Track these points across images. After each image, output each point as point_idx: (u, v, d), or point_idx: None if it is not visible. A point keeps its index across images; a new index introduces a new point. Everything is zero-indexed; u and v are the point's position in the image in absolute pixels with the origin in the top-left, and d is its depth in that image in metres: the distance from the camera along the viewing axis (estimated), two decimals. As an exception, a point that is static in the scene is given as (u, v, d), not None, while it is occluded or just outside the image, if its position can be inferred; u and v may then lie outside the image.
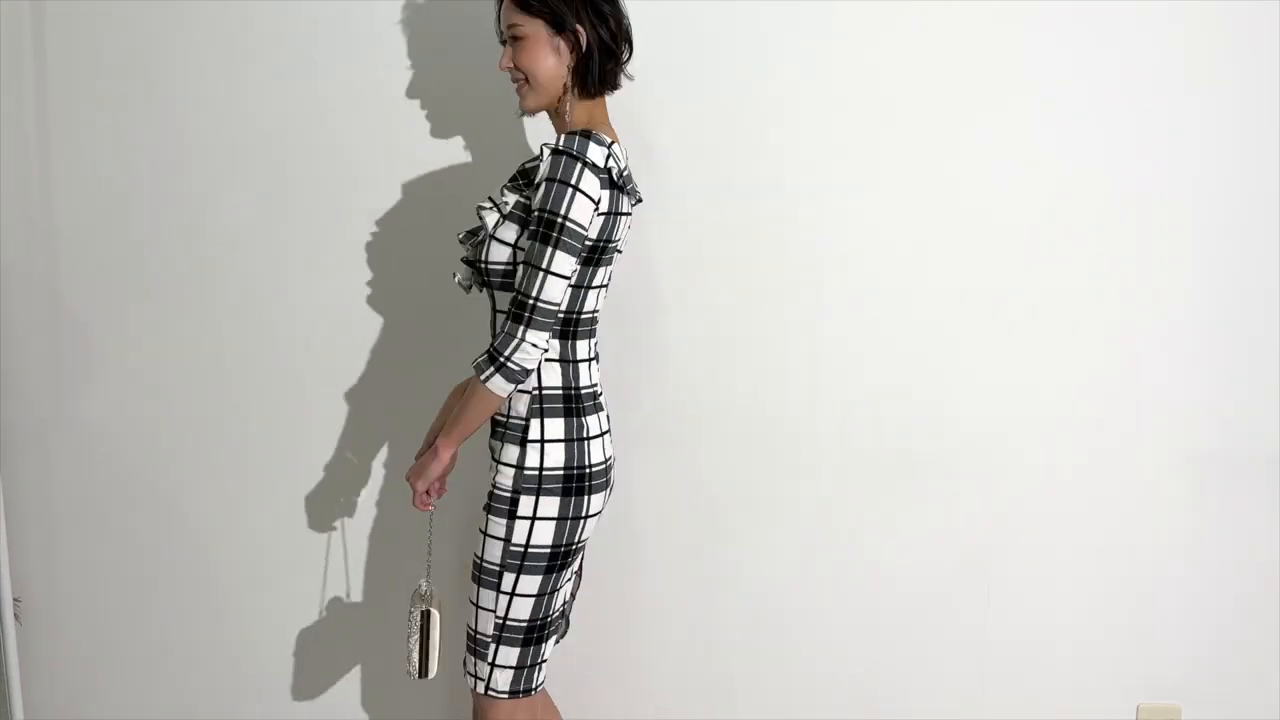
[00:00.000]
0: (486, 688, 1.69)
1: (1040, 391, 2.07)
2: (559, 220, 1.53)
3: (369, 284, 2.09)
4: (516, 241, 1.61)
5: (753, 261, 2.04)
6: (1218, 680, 2.13)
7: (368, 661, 2.19)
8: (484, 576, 1.66)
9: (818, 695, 2.14)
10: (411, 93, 2.02)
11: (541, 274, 1.55)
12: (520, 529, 1.63)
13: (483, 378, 1.58)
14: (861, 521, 2.10)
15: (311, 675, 2.20)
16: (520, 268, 1.59)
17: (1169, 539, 2.10)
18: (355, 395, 2.12)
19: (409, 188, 2.06)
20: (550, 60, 1.62)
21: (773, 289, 2.05)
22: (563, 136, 1.56)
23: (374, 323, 2.10)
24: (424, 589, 1.78)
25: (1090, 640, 2.13)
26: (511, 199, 1.63)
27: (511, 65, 1.63)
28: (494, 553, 1.64)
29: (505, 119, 1.88)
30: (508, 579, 1.64)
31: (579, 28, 1.60)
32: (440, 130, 2.03)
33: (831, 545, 2.11)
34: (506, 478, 1.64)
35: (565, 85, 1.63)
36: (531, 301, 1.55)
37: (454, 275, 1.74)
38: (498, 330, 1.64)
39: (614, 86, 1.69)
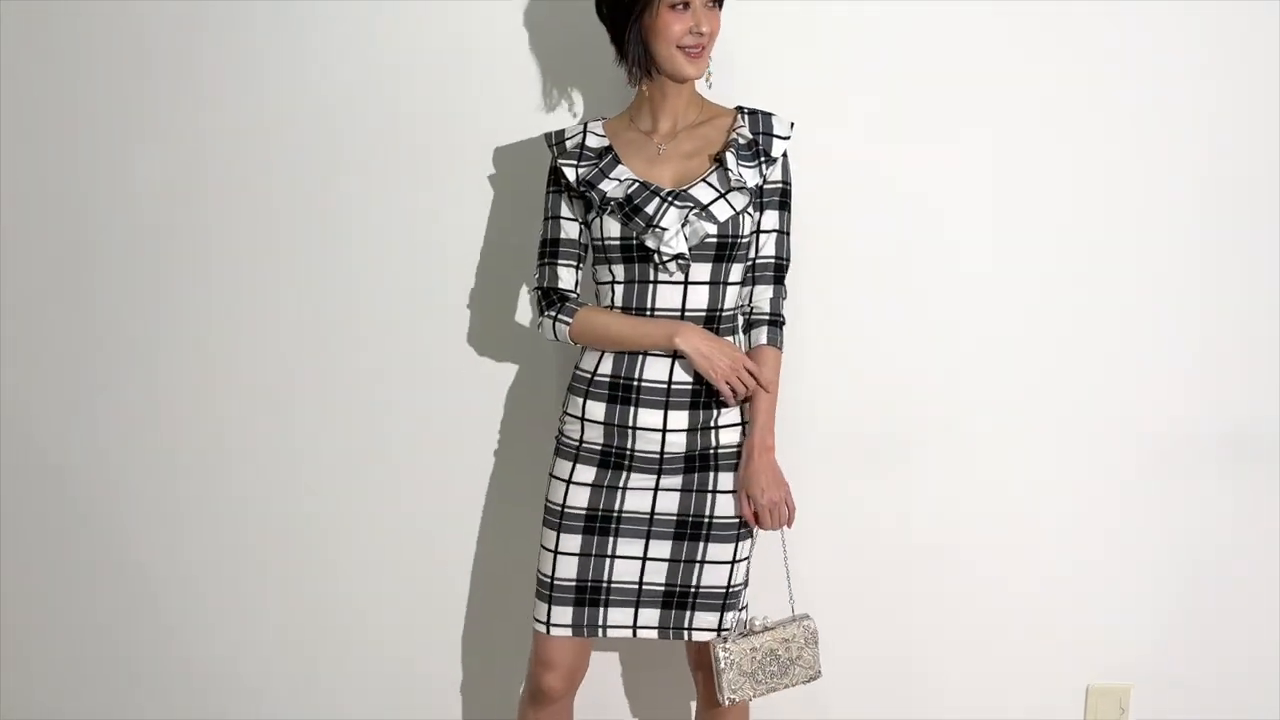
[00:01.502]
0: None
1: (998, 375, 2.06)
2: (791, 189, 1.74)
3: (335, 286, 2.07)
4: (743, 210, 1.67)
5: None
6: (1168, 660, 2.14)
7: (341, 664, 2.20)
8: (739, 530, 1.73)
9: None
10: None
11: (789, 239, 1.72)
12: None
13: (781, 344, 1.73)
14: (821, 503, 2.04)
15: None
16: (775, 235, 1.72)
17: (1119, 520, 2.10)
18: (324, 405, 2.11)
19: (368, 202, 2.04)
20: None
21: None
22: (773, 115, 1.71)
23: (340, 327, 2.09)
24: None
25: (1041, 620, 2.13)
26: (750, 178, 1.67)
27: (713, 27, 1.63)
28: (731, 508, 1.72)
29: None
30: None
31: None
32: (421, 137, 2.01)
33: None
34: (738, 435, 1.73)
35: None
36: (789, 264, 1.74)
37: (666, 259, 1.65)
38: (766, 298, 1.74)
39: None
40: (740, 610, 1.76)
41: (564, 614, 1.73)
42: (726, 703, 1.72)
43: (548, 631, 1.74)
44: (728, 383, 1.67)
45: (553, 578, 1.73)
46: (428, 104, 1.99)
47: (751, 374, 1.69)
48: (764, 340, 1.73)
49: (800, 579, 1.99)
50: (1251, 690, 2.14)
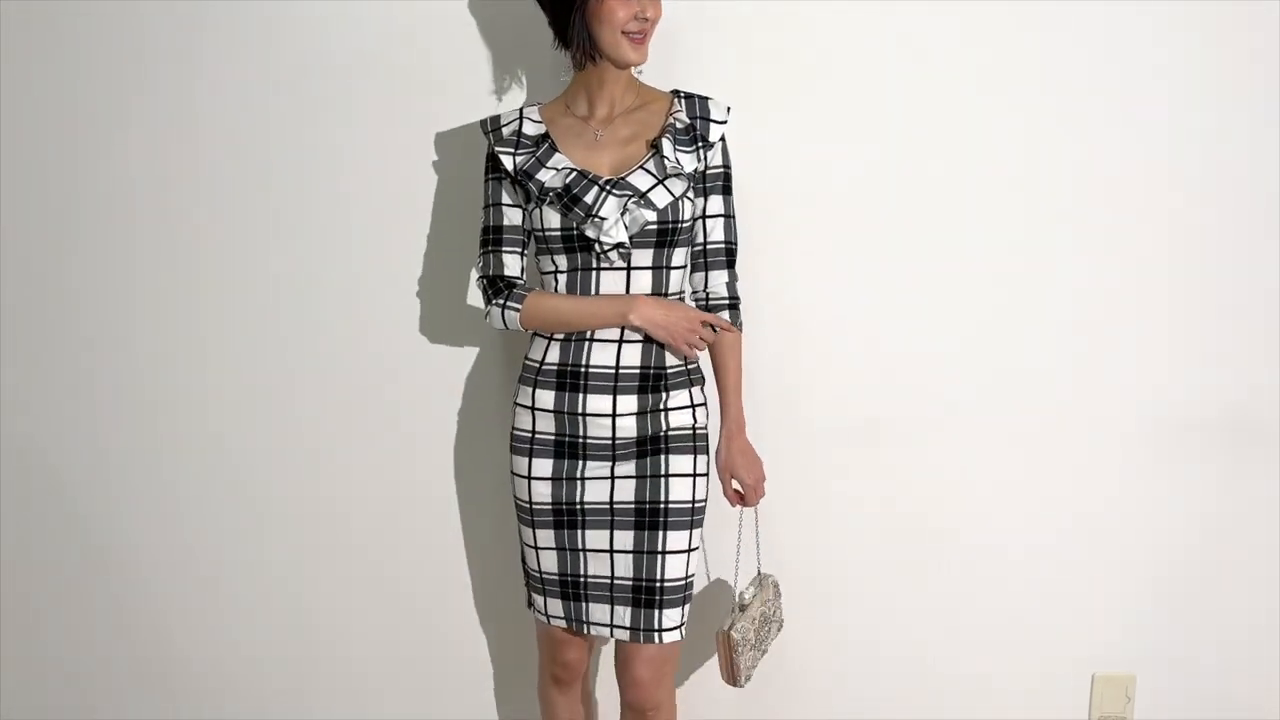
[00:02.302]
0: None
1: (998, 362, 2.03)
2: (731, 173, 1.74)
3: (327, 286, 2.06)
4: (682, 195, 1.66)
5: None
6: (1173, 648, 2.11)
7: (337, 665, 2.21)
8: (693, 517, 1.73)
9: (773, 660, 2.07)
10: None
11: (735, 222, 1.73)
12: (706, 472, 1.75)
13: (740, 324, 1.75)
14: (823, 490, 2.07)
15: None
16: (722, 220, 1.72)
17: (1123, 508, 2.06)
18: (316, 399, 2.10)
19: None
20: None
21: (756, 265, 1.95)
22: (709, 100, 1.71)
23: (332, 326, 2.07)
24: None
25: (1045, 610, 2.10)
26: (688, 163, 1.67)
27: (658, 12, 1.63)
28: (692, 492, 1.72)
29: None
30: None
31: None
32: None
33: (792, 514, 2.04)
34: (698, 415, 1.75)
35: None
36: (737, 247, 1.73)
37: (606, 248, 1.64)
38: (722, 283, 1.73)
39: None
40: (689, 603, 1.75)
41: (556, 606, 1.76)
42: (744, 683, 1.78)
43: (548, 621, 1.77)
44: (689, 343, 1.68)
45: (541, 571, 1.75)
46: (368, 88, 1.96)
47: (710, 324, 1.70)
48: (730, 341, 1.76)
49: (800, 572, 2.03)
50: (1256, 677, 2.09)
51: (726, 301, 1.74)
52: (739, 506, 1.83)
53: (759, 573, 1.88)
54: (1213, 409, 2.02)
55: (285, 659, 2.18)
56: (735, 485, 1.80)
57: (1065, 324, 2.00)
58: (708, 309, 1.74)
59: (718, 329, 1.71)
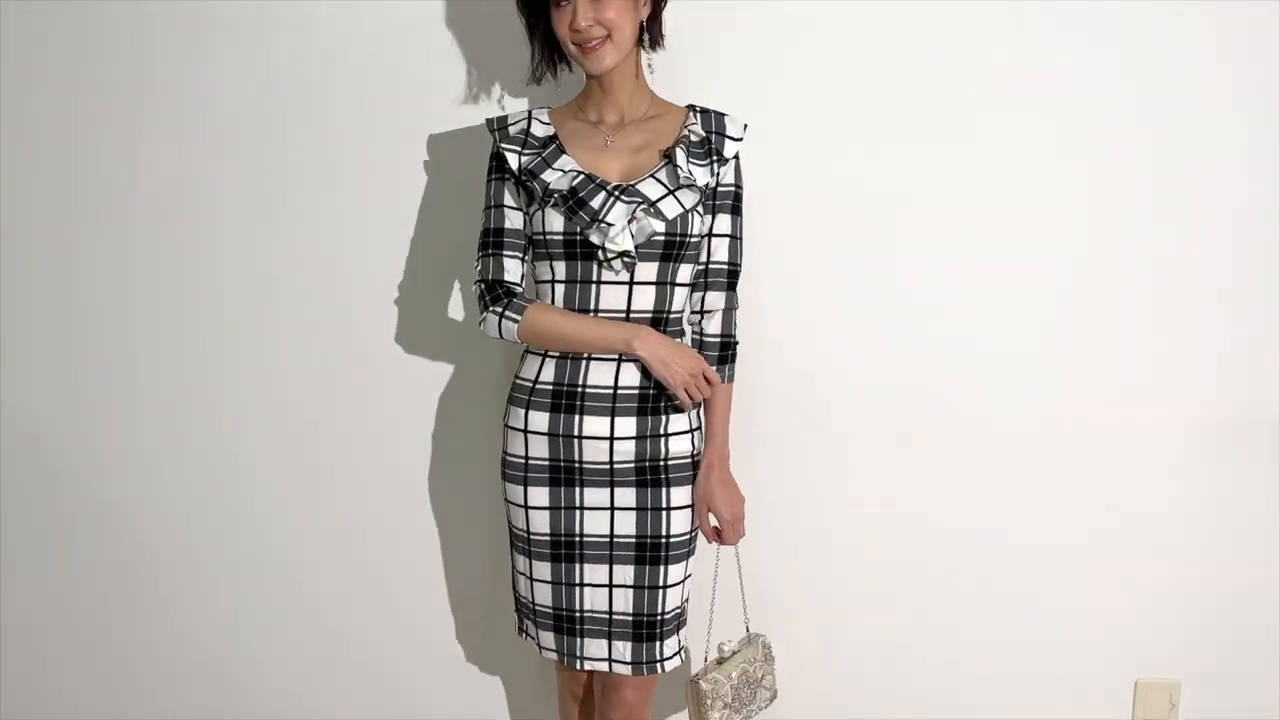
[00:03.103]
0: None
1: (1040, 363, 2.00)
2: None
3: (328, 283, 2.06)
4: (693, 208, 1.60)
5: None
6: (1217, 653, 2.07)
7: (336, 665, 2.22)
8: (689, 547, 1.69)
9: (812, 664, 2.10)
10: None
11: (741, 244, 1.67)
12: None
13: (731, 377, 1.69)
14: (862, 494, 2.05)
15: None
16: (728, 240, 1.65)
17: (1168, 510, 2.03)
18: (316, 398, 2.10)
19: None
20: (632, 11, 1.56)
21: (773, 269, 1.96)
22: (725, 115, 1.65)
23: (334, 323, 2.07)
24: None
25: (1088, 613, 2.07)
26: (701, 176, 1.61)
27: (593, 20, 1.52)
28: (691, 523, 1.68)
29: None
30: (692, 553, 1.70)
31: None
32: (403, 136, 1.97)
33: (830, 518, 2.06)
34: (696, 440, 1.68)
35: (638, 41, 1.60)
36: (741, 269, 1.67)
37: (610, 256, 1.57)
38: (719, 309, 1.67)
39: (663, 43, 1.67)
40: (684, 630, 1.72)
41: (549, 638, 1.70)
42: None
43: (540, 652, 1.73)
44: (687, 389, 1.61)
45: (534, 603, 1.70)
46: (351, 90, 1.94)
47: (708, 379, 1.63)
48: (718, 382, 1.67)
49: (839, 576, 2.03)
50: (1304, 686, 2.05)
51: (718, 344, 1.68)
52: (715, 544, 1.73)
53: (747, 631, 1.79)
54: (1259, 409, 1.98)
55: (285, 659, 2.19)
56: (714, 521, 1.71)
57: (1106, 325, 1.97)
58: (701, 343, 1.68)
59: (706, 392, 1.64)
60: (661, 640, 1.66)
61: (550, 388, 1.62)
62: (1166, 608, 2.06)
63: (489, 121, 1.67)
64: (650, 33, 1.62)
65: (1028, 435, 2.01)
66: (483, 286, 1.63)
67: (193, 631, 2.19)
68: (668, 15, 1.66)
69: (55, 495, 2.16)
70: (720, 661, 1.72)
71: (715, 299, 1.66)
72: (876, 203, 1.94)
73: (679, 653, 1.69)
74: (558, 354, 1.62)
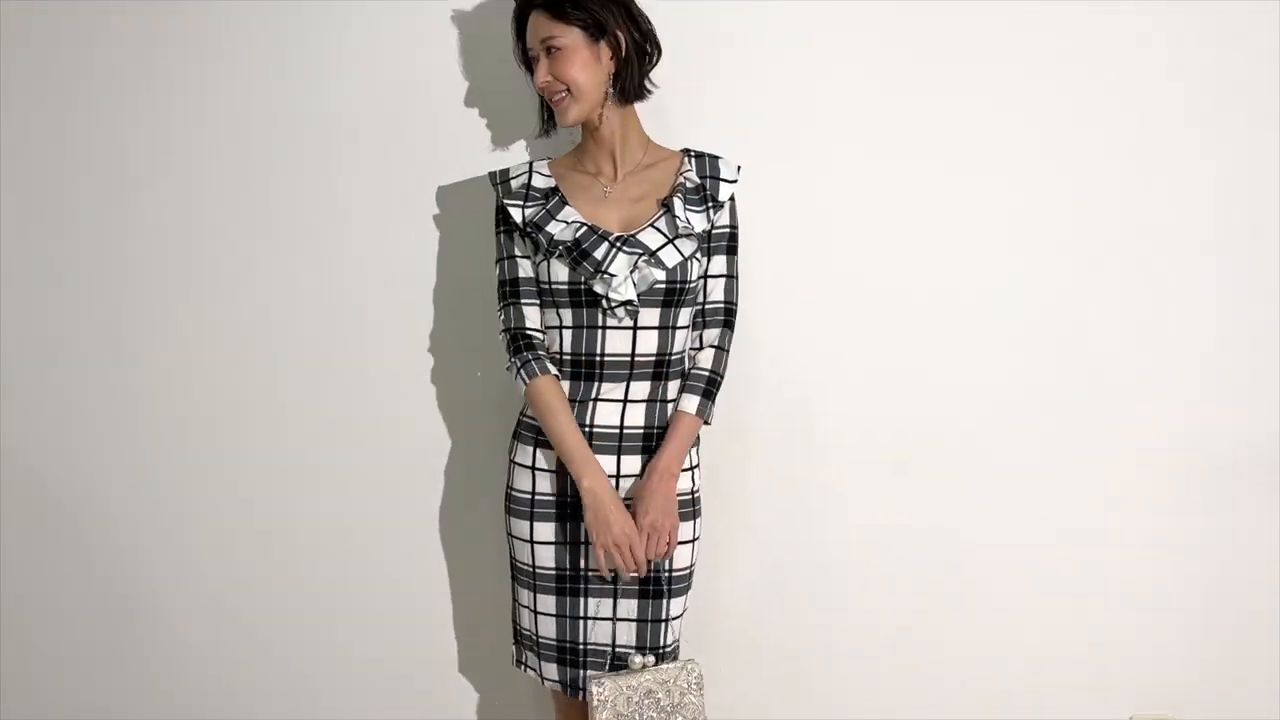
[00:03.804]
0: None
1: (1032, 396, 2.02)
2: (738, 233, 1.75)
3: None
4: (691, 255, 1.67)
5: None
6: (1212, 688, 2.06)
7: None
8: (688, 582, 1.75)
9: (806, 698, 2.12)
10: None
11: (737, 283, 1.73)
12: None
13: (709, 417, 1.71)
14: (851, 527, 2.07)
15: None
16: (724, 280, 1.72)
17: (1161, 544, 2.04)
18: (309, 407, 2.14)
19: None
20: (593, 67, 1.63)
21: (760, 295, 1.98)
22: (719, 159, 1.71)
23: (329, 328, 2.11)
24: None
25: (1082, 648, 2.08)
26: (699, 223, 1.67)
27: (550, 78, 1.63)
28: (691, 558, 1.74)
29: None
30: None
31: (618, 33, 1.62)
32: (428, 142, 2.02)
33: (818, 551, 2.07)
34: (695, 478, 1.74)
35: (606, 93, 1.65)
36: (737, 308, 1.73)
37: (614, 304, 1.64)
38: (711, 346, 1.72)
39: (646, 94, 1.71)
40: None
41: (552, 670, 1.74)
42: None
43: (543, 683, 1.77)
44: (605, 551, 1.63)
45: (538, 636, 1.74)
46: (374, 140, 2.01)
47: (646, 558, 1.65)
48: (691, 411, 1.69)
49: (831, 603, 2.05)
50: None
51: (704, 380, 1.71)
52: (632, 573, 1.66)
53: (675, 654, 1.76)
54: (1253, 446, 1.98)
55: (286, 659, 2.22)
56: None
57: (1098, 359, 1.99)
58: (690, 372, 1.72)
59: (629, 566, 1.64)
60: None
61: None
62: (1162, 643, 2.06)
63: (491, 175, 1.74)
64: (621, 86, 1.67)
65: (1018, 467, 2.02)
66: (507, 336, 1.71)
67: (193, 633, 2.23)
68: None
69: (55, 496, 2.20)
70: (626, 673, 1.69)
71: (711, 336, 1.73)
72: (865, 233, 1.98)
73: None
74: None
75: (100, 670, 2.26)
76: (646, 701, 1.67)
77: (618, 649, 1.72)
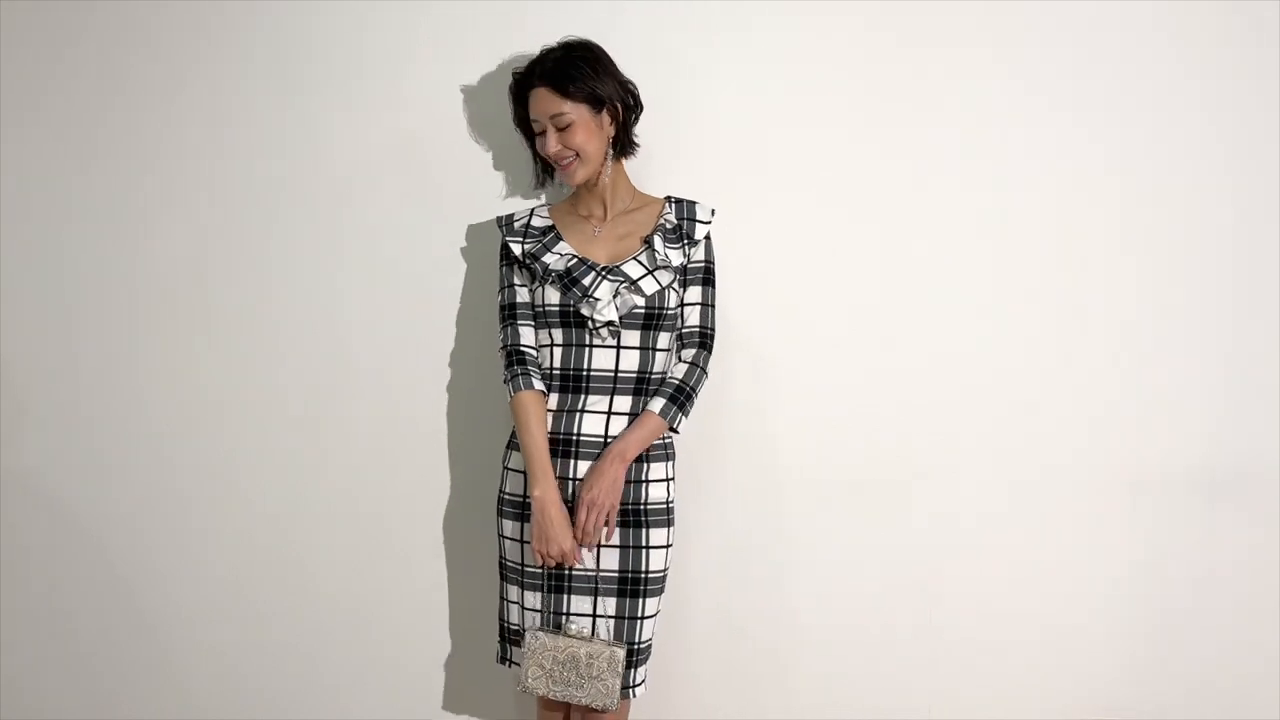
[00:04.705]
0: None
1: (986, 412, 2.10)
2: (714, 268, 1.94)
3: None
4: (668, 285, 1.87)
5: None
6: (1170, 703, 2.14)
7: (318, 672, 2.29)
8: (662, 585, 1.89)
9: (773, 696, 2.20)
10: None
11: (712, 311, 1.92)
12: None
13: (679, 426, 1.87)
14: (807, 542, 2.14)
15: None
16: (699, 307, 1.92)
17: (1111, 558, 2.11)
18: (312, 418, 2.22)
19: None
20: (598, 135, 1.86)
21: (735, 309, 2.10)
22: (696, 204, 1.92)
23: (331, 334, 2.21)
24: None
25: (1040, 667, 2.15)
26: (676, 258, 1.88)
27: (560, 148, 1.84)
28: (665, 562, 1.89)
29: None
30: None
31: (615, 102, 1.86)
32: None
33: (775, 568, 2.16)
34: (670, 489, 1.90)
35: (606, 154, 1.88)
36: (714, 331, 1.92)
37: (598, 325, 1.84)
38: (686, 363, 1.90)
39: (635, 149, 1.96)
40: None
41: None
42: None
43: (521, 684, 1.87)
44: (540, 550, 1.81)
45: (523, 629, 1.90)
46: (398, 186, 2.16)
47: (584, 531, 1.81)
48: (656, 410, 1.85)
49: (785, 615, 2.14)
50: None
51: (674, 387, 1.87)
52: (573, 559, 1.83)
53: (610, 637, 1.87)
54: (1202, 463, 2.06)
55: (285, 659, 2.27)
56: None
57: (1057, 378, 2.06)
58: (663, 380, 1.89)
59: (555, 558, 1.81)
60: (635, 668, 1.88)
61: (549, 436, 1.86)
62: (1107, 653, 2.13)
63: (498, 219, 1.97)
64: (619, 146, 1.91)
65: (972, 483, 2.10)
66: (504, 352, 1.92)
67: (193, 633, 2.28)
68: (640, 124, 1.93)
69: (56, 496, 2.25)
70: (557, 634, 1.85)
71: (688, 354, 1.93)
72: (837, 247, 2.09)
73: (644, 682, 1.90)
74: (554, 406, 1.87)
75: (100, 670, 2.31)
76: (569, 665, 1.83)
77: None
